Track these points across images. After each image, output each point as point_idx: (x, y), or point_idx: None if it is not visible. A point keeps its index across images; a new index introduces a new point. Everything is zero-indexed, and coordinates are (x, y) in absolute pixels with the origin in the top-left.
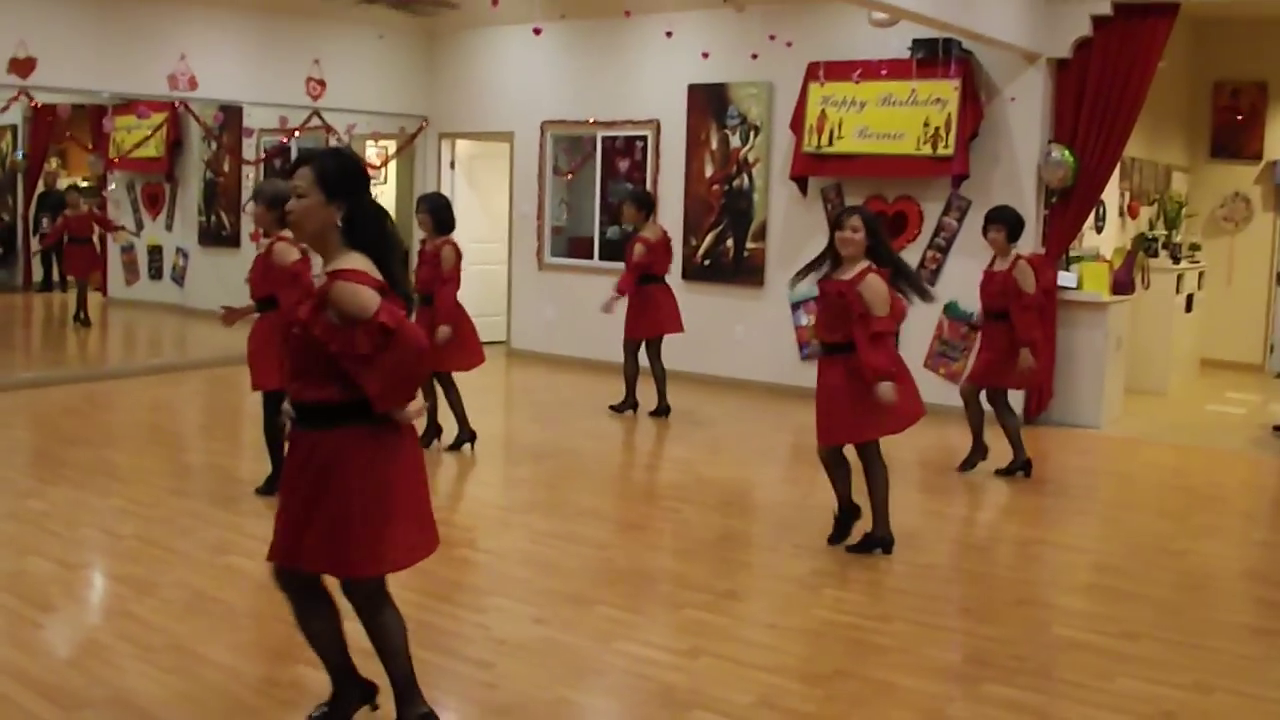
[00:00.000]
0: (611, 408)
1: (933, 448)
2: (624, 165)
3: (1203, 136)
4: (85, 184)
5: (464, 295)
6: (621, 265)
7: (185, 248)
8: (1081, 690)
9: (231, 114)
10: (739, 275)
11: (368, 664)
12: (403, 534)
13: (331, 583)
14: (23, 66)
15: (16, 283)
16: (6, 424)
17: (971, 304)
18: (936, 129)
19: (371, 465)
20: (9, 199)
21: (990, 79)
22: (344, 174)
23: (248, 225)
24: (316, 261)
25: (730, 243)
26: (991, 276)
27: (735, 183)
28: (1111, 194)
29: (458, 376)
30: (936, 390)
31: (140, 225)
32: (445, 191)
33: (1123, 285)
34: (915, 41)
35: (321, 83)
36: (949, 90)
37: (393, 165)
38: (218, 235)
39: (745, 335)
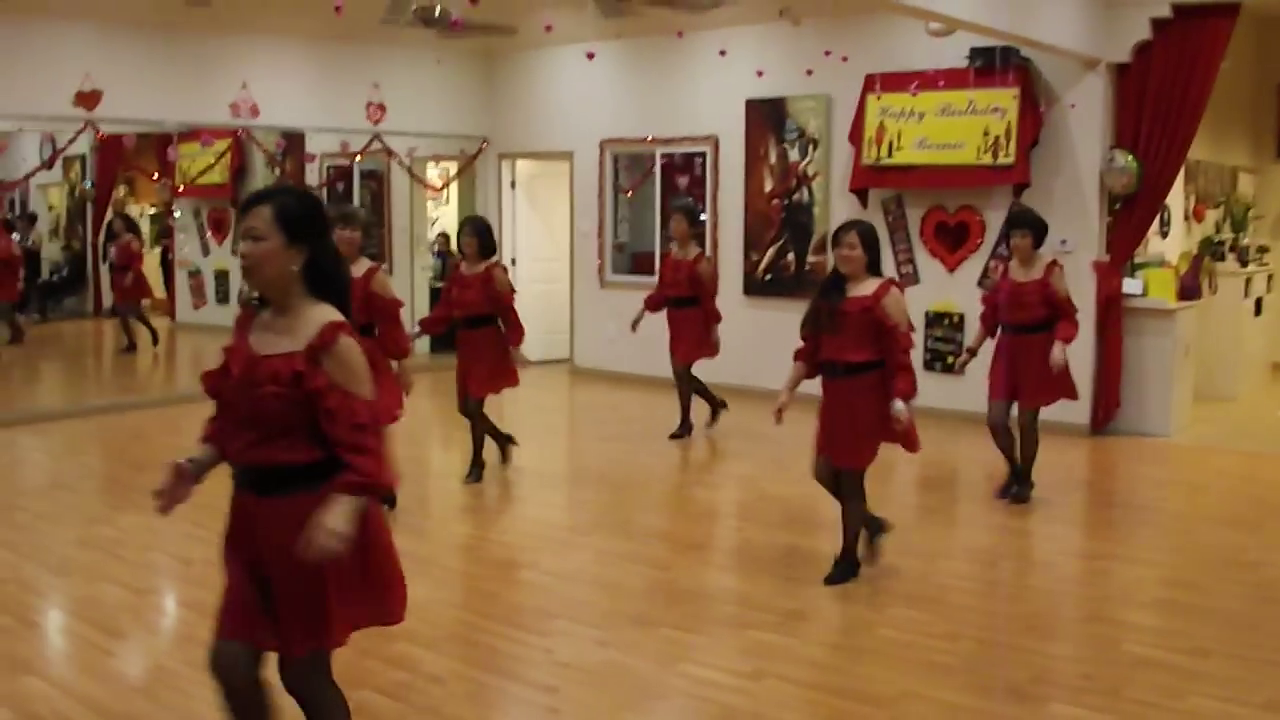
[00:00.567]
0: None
1: (996, 461)
2: (683, 181)
3: (1268, 137)
4: (153, 211)
5: (528, 312)
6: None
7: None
8: (1152, 710)
9: (294, 140)
10: (800, 289)
11: None
12: (375, 598)
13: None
14: (89, 99)
15: (87, 309)
16: (77, 450)
17: None
18: (996, 138)
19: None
20: (79, 228)
21: (1049, 86)
22: (307, 215)
23: None
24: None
25: (791, 256)
26: (1020, 287)
27: (795, 196)
28: (1176, 198)
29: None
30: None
31: (206, 250)
32: (506, 211)
33: (1190, 290)
34: (973, 50)
35: (381, 107)
36: (1008, 98)
37: (454, 186)
38: None
39: None
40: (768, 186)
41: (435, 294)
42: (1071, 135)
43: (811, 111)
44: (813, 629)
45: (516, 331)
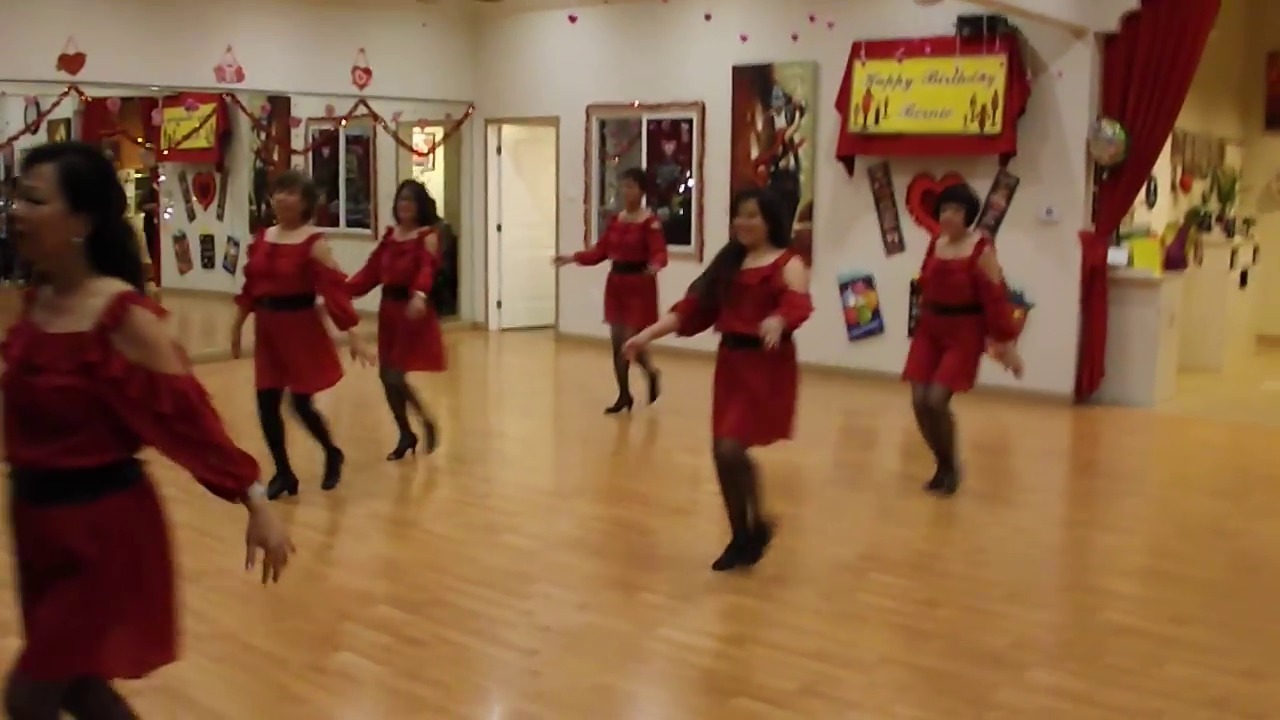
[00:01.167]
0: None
1: (982, 431)
2: (670, 147)
3: (1257, 108)
4: (138, 175)
5: (513, 279)
6: (673, 247)
7: (236, 236)
8: (1130, 676)
9: (279, 104)
10: None
11: None
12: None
13: None
14: (72, 62)
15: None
16: None
17: (1022, 282)
18: (983, 106)
19: (137, 542)
20: None
21: (1037, 55)
22: (96, 179)
23: None
24: None
25: None
26: (947, 264)
27: (781, 163)
28: (1163, 169)
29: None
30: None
31: (192, 215)
32: (492, 177)
33: (1175, 261)
34: (960, 18)
35: (367, 71)
36: (995, 67)
37: (440, 151)
38: (268, 223)
39: None
40: (754, 153)
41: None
42: (1058, 104)
43: (798, 78)
44: (793, 594)
45: (421, 291)
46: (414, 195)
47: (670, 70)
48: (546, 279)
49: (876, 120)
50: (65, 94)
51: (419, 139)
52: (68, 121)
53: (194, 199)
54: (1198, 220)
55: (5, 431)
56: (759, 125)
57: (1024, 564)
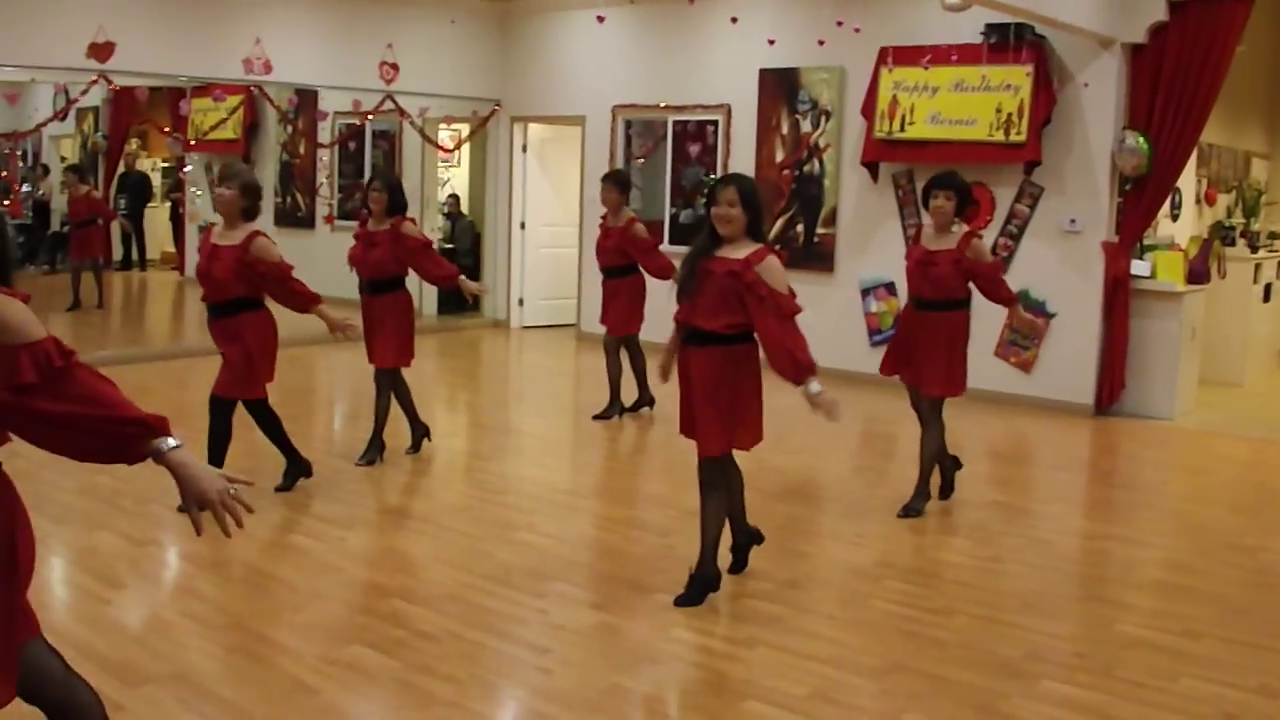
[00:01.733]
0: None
1: (1001, 440)
2: (695, 149)
3: None
4: (165, 165)
5: (535, 277)
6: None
7: (261, 229)
8: (1142, 690)
9: (306, 97)
10: (809, 261)
11: None
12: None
13: None
14: (101, 51)
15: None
16: None
17: (1044, 292)
18: (1009, 115)
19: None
20: (91, 180)
21: (1063, 64)
22: None
23: (322, 208)
24: None
25: (800, 228)
26: (931, 255)
27: (806, 168)
28: (1188, 181)
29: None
30: (1008, 379)
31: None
32: (517, 175)
33: (1198, 274)
34: (988, 26)
35: (395, 66)
36: (1021, 76)
37: (465, 149)
38: (293, 216)
39: (814, 321)
40: (779, 157)
41: (444, 255)
42: (1084, 115)
43: (825, 83)
44: (807, 599)
45: (447, 273)
46: (385, 186)
47: (697, 72)
48: (569, 277)
49: (902, 127)
50: (94, 82)
51: (445, 136)
52: (96, 110)
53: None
54: (1222, 234)
55: None
56: (784, 129)
57: (1039, 574)
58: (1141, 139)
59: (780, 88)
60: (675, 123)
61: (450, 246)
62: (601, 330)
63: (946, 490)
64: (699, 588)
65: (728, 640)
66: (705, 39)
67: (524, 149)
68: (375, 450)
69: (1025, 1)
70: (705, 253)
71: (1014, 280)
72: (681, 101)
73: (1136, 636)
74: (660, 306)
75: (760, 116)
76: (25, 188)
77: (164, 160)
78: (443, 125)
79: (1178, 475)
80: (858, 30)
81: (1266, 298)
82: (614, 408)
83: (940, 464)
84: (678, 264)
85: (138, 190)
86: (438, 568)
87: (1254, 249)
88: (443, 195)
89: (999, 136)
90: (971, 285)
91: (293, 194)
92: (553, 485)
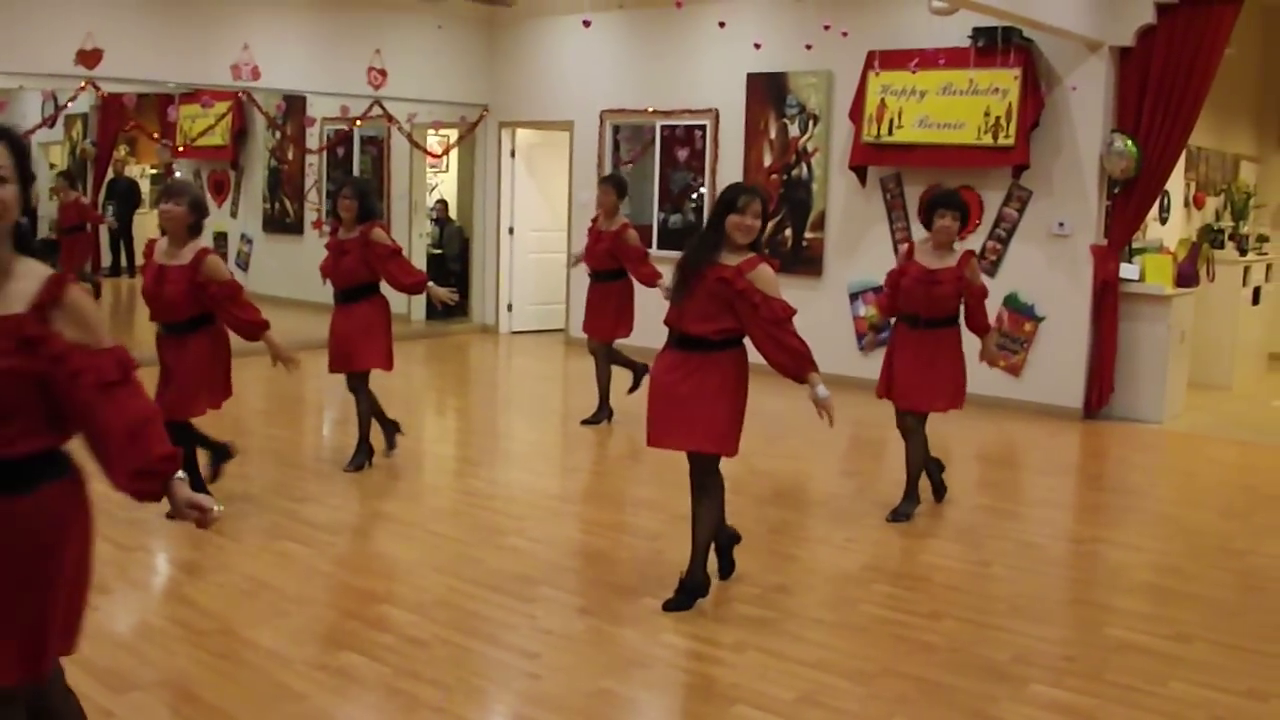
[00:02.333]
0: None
1: (990, 444)
2: (683, 154)
3: (1272, 125)
4: (154, 171)
5: (524, 282)
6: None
7: (250, 234)
8: (1132, 694)
9: (294, 103)
10: (797, 265)
11: None
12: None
13: None
14: (90, 58)
15: (86, 268)
16: None
17: (1033, 295)
18: (997, 118)
19: (84, 530)
20: (80, 186)
21: (1051, 68)
22: (29, 157)
23: (310, 213)
24: None
25: (789, 232)
26: (934, 275)
27: (794, 172)
28: (1176, 184)
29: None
30: (996, 383)
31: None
32: (505, 180)
33: (1187, 278)
34: (975, 30)
35: (383, 72)
36: (1009, 79)
37: (454, 154)
38: (281, 222)
39: (803, 325)
40: (767, 161)
41: (433, 260)
42: (1072, 118)
43: (812, 87)
44: (796, 603)
45: (415, 283)
46: (355, 194)
47: (684, 77)
48: (557, 283)
49: (890, 131)
50: (82, 89)
51: (433, 141)
52: (84, 116)
53: (208, 196)
54: (1211, 237)
55: None
56: (772, 133)
57: (1028, 578)
58: (1130, 142)
59: (768, 92)
60: (663, 127)
61: (439, 252)
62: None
63: (940, 492)
64: (688, 593)
65: (716, 644)
66: (693, 44)
67: (512, 154)
68: (363, 455)
69: (1013, 5)
70: (710, 260)
71: (1002, 284)
72: (669, 106)
73: (1126, 640)
74: (651, 316)
75: (748, 121)
76: None
77: (153, 167)
78: (431, 130)
79: (1167, 479)
80: (845, 34)
81: (1255, 301)
82: (603, 412)
83: (926, 469)
84: (664, 271)
85: (126, 197)
86: (426, 573)
87: (1243, 252)
88: (431, 200)
89: (987, 140)
90: None
91: (281, 200)
92: (541, 490)
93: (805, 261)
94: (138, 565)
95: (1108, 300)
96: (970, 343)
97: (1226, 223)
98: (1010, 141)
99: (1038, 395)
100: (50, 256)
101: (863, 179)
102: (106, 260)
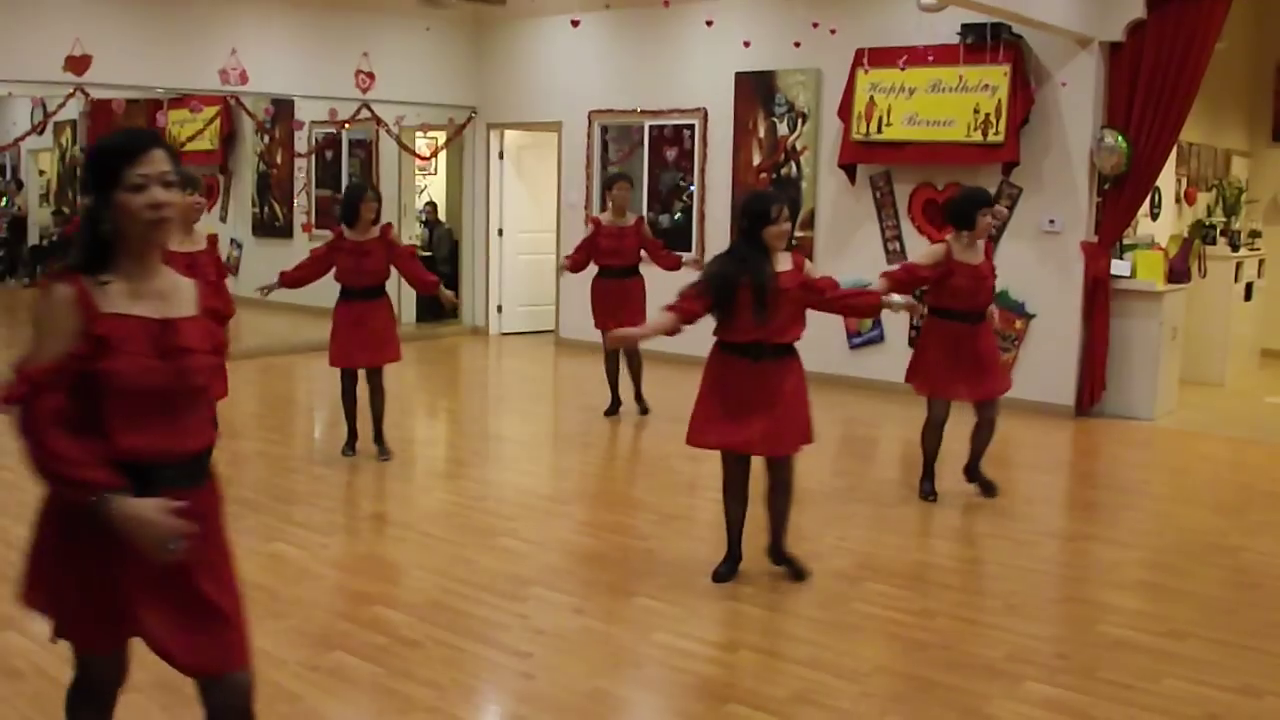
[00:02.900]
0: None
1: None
2: (672, 154)
3: (1264, 120)
4: None
5: (514, 284)
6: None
7: (239, 238)
8: (1125, 691)
9: (282, 107)
10: None
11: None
12: None
13: None
14: (78, 64)
15: None
16: None
17: (1024, 293)
18: (987, 115)
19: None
20: (70, 193)
21: (1041, 64)
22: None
23: (300, 216)
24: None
25: None
26: (978, 270)
27: (783, 171)
28: (1167, 180)
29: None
30: None
31: None
32: (494, 182)
33: (1179, 273)
34: (964, 26)
35: (370, 75)
36: (999, 76)
37: (442, 156)
38: (270, 226)
39: None
40: (756, 160)
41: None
42: (1062, 114)
43: (801, 85)
44: (789, 602)
45: (430, 275)
46: (378, 196)
47: (673, 76)
48: (547, 284)
49: (879, 128)
50: (71, 95)
51: (422, 143)
52: (74, 123)
53: None
54: (1202, 233)
55: (153, 428)
56: (761, 132)
57: (1021, 576)
58: (1120, 138)
59: (756, 90)
60: (652, 127)
61: (428, 254)
62: (587, 335)
63: (930, 489)
64: (787, 561)
65: (709, 643)
66: (681, 43)
67: (501, 156)
68: (382, 447)
69: (1002, 1)
70: (767, 269)
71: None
72: (658, 106)
73: (1119, 637)
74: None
75: (737, 120)
76: (2, 203)
77: None
78: (419, 133)
79: (1159, 476)
80: (834, 32)
81: (1248, 296)
82: (640, 404)
83: (928, 462)
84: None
85: None
86: (419, 574)
87: (1234, 247)
88: (420, 203)
89: (977, 137)
90: None
91: (270, 204)
92: (533, 491)
93: None
94: None
95: (1099, 297)
96: None
97: (1218, 218)
98: (1000, 138)
99: (1029, 393)
100: (40, 263)
101: (852, 177)
102: None
